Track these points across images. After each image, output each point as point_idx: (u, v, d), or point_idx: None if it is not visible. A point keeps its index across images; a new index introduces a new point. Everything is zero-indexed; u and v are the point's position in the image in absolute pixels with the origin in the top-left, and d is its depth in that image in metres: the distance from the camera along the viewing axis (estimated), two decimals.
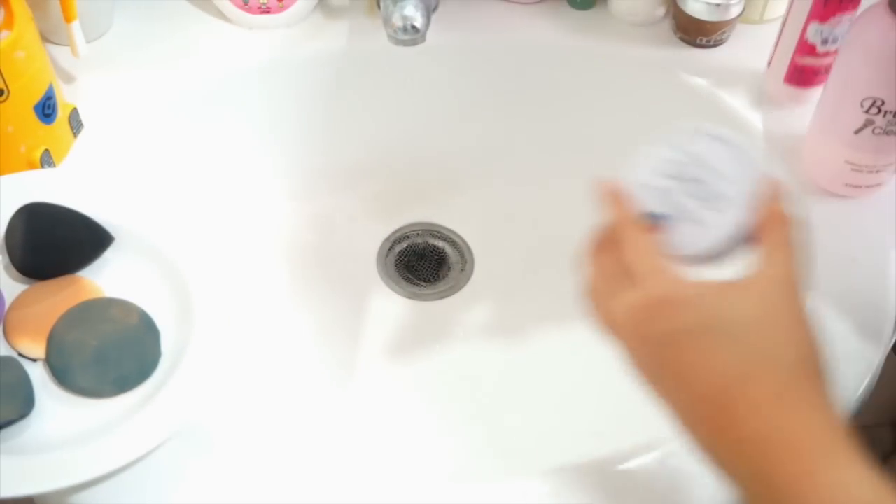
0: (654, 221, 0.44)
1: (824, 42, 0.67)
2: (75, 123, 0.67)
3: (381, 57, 0.76)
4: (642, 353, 0.41)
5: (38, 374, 0.54)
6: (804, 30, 0.66)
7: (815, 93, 0.68)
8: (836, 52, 0.66)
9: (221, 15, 0.77)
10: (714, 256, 0.44)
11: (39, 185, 0.60)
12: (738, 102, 0.72)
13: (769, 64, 0.71)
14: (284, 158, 0.79)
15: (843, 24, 0.65)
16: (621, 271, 0.42)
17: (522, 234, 0.79)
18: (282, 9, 0.76)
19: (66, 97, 0.68)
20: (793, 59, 0.68)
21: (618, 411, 0.55)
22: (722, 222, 0.43)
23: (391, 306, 0.74)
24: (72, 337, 0.55)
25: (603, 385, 0.56)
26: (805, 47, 0.67)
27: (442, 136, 0.81)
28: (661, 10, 0.78)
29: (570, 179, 0.68)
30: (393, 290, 0.75)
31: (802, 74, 0.69)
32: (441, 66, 0.78)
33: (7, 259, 0.58)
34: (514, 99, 0.80)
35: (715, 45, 0.76)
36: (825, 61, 0.68)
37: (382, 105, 0.79)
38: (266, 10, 0.75)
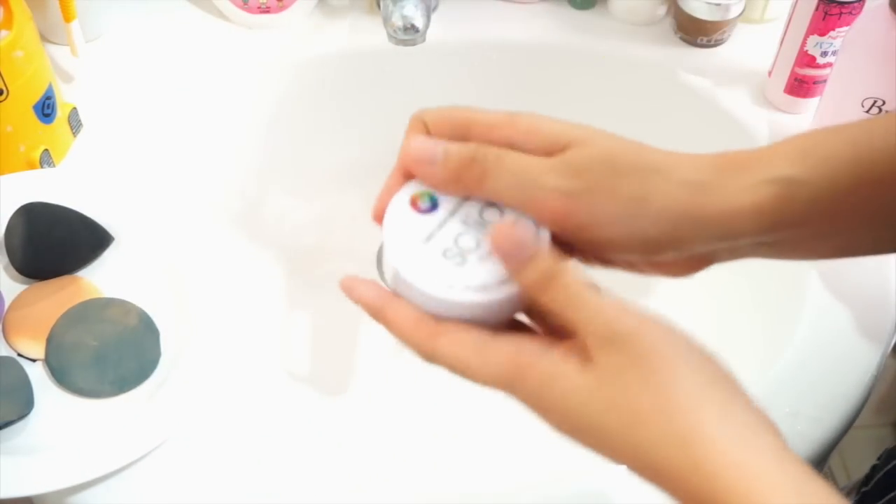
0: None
1: (823, 54, 0.67)
2: (74, 123, 0.67)
3: (381, 57, 0.76)
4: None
5: (37, 375, 0.54)
6: (804, 42, 0.67)
7: (816, 102, 0.69)
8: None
9: (221, 15, 0.77)
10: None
11: (39, 185, 0.60)
12: (738, 102, 0.72)
13: (770, 74, 0.71)
14: (284, 158, 0.79)
15: (841, 37, 0.65)
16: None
17: None
18: (282, 8, 0.75)
19: (66, 97, 0.68)
20: (793, 70, 0.68)
21: None
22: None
23: None
24: (71, 337, 0.55)
25: None
26: (805, 59, 0.67)
27: None
28: (662, 10, 0.78)
29: None
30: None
31: (803, 85, 0.69)
32: (441, 66, 0.78)
33: (6, 259, 0.58)
34: (513, 99, 0.80)
35: (715, 45, 0.76)
36: (825, 72, 0.68)
37: (382, 104, 0.79)
38: (266, 10, 0.75)
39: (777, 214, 0.34)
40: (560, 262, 0.34)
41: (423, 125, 0.38)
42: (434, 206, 0.37)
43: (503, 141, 0.37)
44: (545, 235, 0.36)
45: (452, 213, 0.37)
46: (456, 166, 0.36)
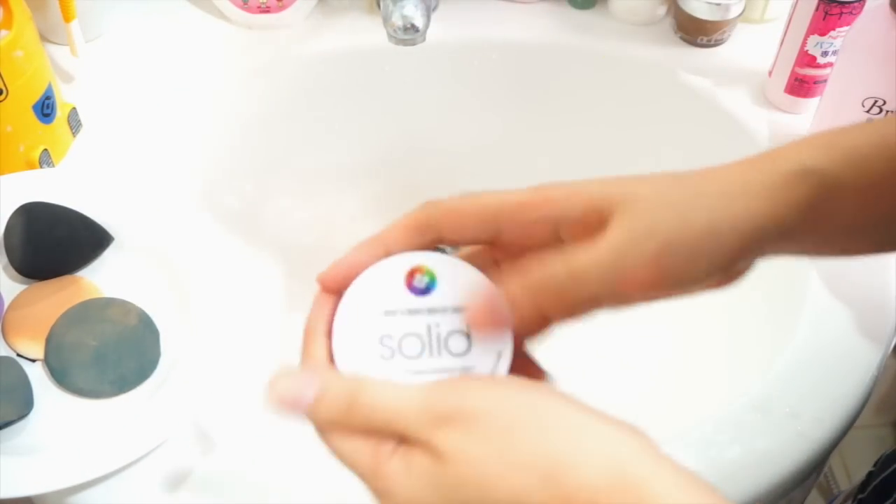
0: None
1: (824, 54, 0.67)
2: (74, 123, 0.67)
3: (381, 57, 0.76)
4: None
5: (37, 375, 0.54)
6: (804, 42, 0.67)
7: (816, 102, 0.69)
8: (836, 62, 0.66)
9: (221, 15, 0.77)
10: None
11: (38, 185, 0.59)
12: (738, 102, 0.72)
13: (770, 74, 0.71)
14: (284, 158, 0.79)
15: (842, 37, 0.65)
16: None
17: None
18: (281, 8, 0.75)
19: (65, 97, 0.68)
20: (793, 70, 0.69)
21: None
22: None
23: None
24: (71, 337, 0.55)
25: (600, 388, 0.56)
26: (805, 59, 0.67)
27: (442, 136, 0.81)
28: (662, 10, 0.78)
29: (569, 179, 0.68)
30: None
31: (803, 85, 0.69)
32: (441, 66, 0.78)
33: (6, 259, 0.58)
34: (513, 98, 0.80)
35: (715, 45, 0.76)
36: (825, 72, 0.68)
37: (382, 104, 0.79)
38: (266, 10, 0.75)
39: (812, 203, 0.34)
40: (353, 384, 0.32)
41: (427, 221, 0.35)
42: (428, 291, 0.34)
43: (542, 221, 0.34)
44: (505, 362, 0.34)
45: (433, 310, 0.34)
46: (534, 307, 0.33)
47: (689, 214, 0.33)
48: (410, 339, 0.34)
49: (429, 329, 0.34)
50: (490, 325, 0.34)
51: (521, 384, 0.32)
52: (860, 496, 0.61)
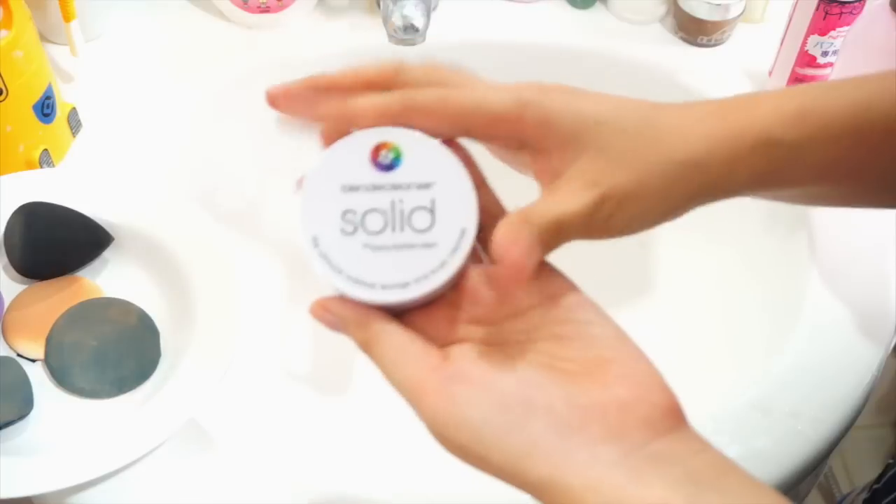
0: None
1: (824, 54, 0.67)
2: (74, 123, 0.67)
3: (381, 56, 0.76)
4: None
5: (37, 375, 0.54)
6: (804, 42, 0.67)
7: None
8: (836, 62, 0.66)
9: (221, 14, 0.77)
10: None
11: (38, 185, 0.59)
12: None
13: (770, 74, 0.71)
14: (284, 158, 0.79)
15: (842, 37, 0.65)
16: None
17: None
18: (281, 8, 0.75)
19: (65, 97, 0.68)
20: (793, 70, 0.69)
21: None
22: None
23: None
24: (71, 337, 0.55)
25: None
26: (805, 59, 0.68)
27: None
28: (662, 10, 0.78)
29: None
30: None
31: None
32: None
33: (6, 259, 0.58)
34: None
35: (716, 45, 0.76)
36: (826, 72, 0.68)
37: None
38: (266, 10, 0.75)
39: (768, 176, 0.35)
40: (366, 336, 0.36)
41: (400, 112, 0.35)
42: (393, 167, 0.34)
43: (512, 138, 0.35)
44: (468, 238, 0.34)
45: (397, 186, 0.34)
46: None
47: (648, 180, 0.34)
48: (373, 215, 0.34)
49: (392, 205, 0.34)
50: (454, 201, 0.34)
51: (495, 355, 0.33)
52: (875, 486, 0.61)
